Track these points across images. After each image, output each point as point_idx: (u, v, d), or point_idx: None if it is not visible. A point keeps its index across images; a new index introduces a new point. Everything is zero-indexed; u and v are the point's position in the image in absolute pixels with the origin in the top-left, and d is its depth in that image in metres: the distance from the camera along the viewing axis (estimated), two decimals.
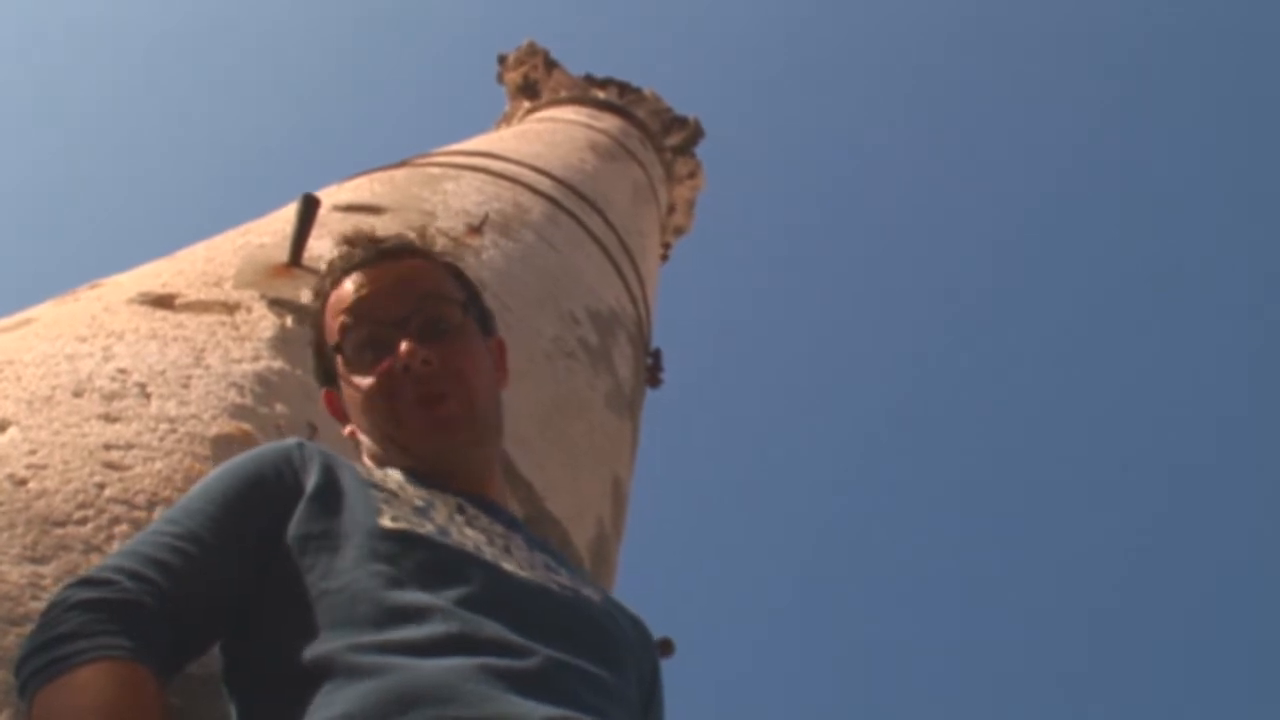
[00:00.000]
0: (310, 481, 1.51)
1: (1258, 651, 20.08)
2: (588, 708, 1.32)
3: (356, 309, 1.71)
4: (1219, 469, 22.69)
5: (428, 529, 1.47)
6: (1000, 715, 20.02)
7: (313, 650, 1.31)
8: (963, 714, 19.98)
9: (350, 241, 1.82)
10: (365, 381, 1.67)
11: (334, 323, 1.73)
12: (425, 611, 1.34)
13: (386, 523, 1.45)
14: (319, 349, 1.78)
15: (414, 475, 1.62)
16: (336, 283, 1.76)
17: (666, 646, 2.91)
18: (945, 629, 21.78)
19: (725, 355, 26.64)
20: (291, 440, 1.61)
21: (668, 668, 2.80)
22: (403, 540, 1.43)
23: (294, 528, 1.45)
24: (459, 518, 1.55)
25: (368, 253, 1.78)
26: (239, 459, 1.56)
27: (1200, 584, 21.96)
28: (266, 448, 1.59)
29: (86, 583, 1.31)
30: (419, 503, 1.53)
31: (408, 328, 1.67)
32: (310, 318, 1.81)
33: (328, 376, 1.78)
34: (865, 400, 25.56)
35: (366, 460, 1.73)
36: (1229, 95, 24.88)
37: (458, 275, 1.84)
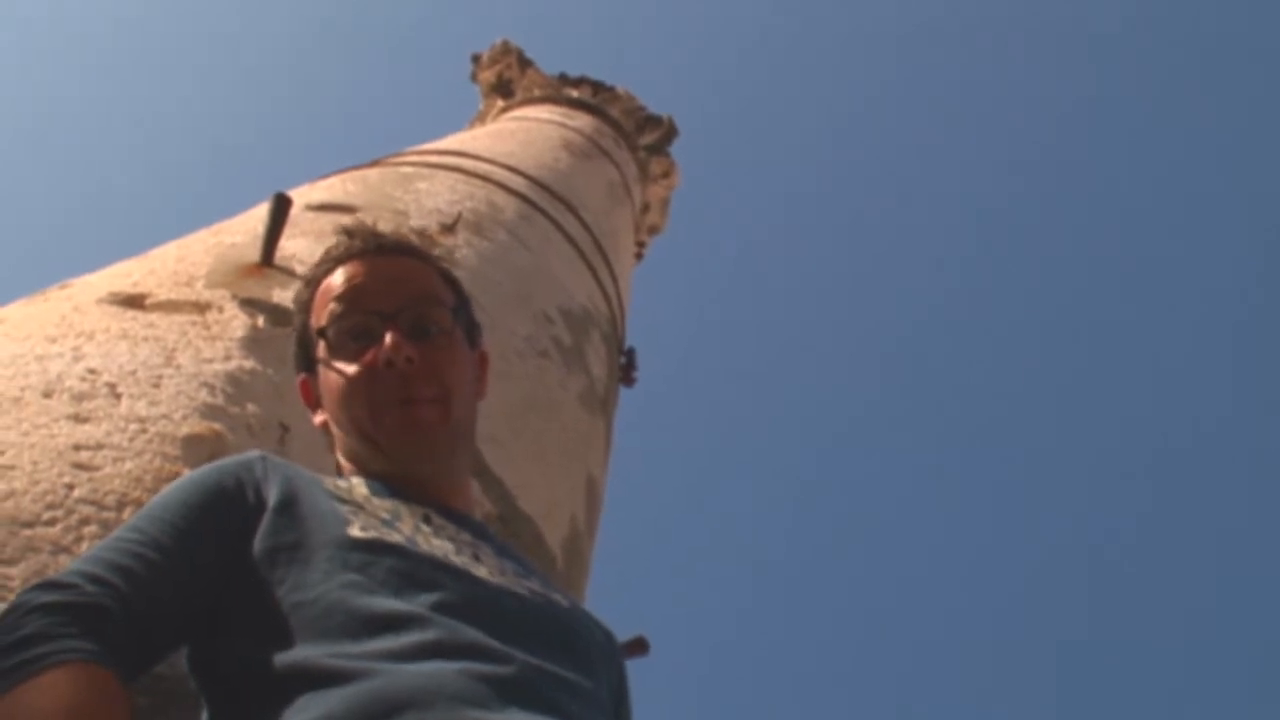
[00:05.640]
0: (274, 494, 1.50)
1: (1246, 647, 20.21)
2: (565, 713, 1.32)
3: (348, 297, 1.71)
4: (1207, 464, 22.83)
5: (397, 538, 1.47)
6: (973, 713, 20.10)
7: (289, 658, 1.31)
8: (934, 711, 20.06)
9: (349, 233, 1.82)
10: (348, 368, 1.66)
11: (323, 308, 1.73)
12: (403, 618, 1.34)
13: (356, 532, 1.44)
14: (303, 333, 1.77)
15: (380, 486, 1.62)
16: (330, 270, 1.76)
17: (641, 645, 2.91)
18: (921, 625, 21.87)
19: (700, 353, 26.68)
20: (254, 452, 1.61)
21: (642, 665, 2.81)
22: (373, 549, 1.43)
23: (260, 540, 1.44)
24: (425, 528, 1.54)
25: (366, 244, 1.78)
26: (202, 470, 1.56)
27: (1178, 581, 22.12)
28: (229, 459, 1.59)
29: (48, 586, 1.31)
30: (385, 514, 1.53)
31: (396, 323, 1.67)
32: (298, 301, 1.80)
33: (307, 362, 1.77)
34: (843, 397, 25.64)
35: (337, 454, 1.73)
36: (1198, 86, 25.06)
37: (451, 281, 1.83)
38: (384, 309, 1.68)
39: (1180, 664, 20.66)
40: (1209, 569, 22.17)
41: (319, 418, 1.76)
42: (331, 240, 1.87)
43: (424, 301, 1.72)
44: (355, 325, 1.68)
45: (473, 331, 1.82)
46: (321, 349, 1.71)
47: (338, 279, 1.73)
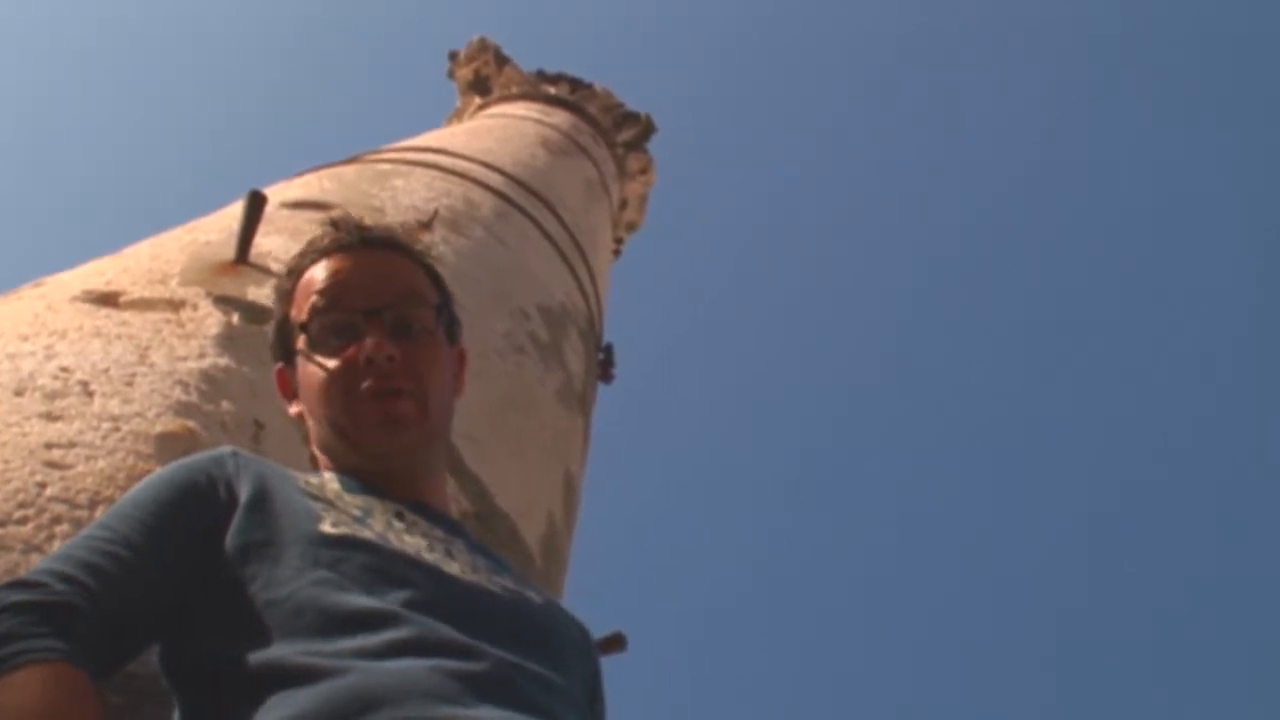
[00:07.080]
0: (245, 490, 1.49)
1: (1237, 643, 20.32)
2: (539, 709, 1.32)
3: (331, 292, 1.69)
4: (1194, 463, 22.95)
5: (368, 534, 1.46)
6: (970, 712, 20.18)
7: (262, 656, 1.30)
8: (929, 709, 20.13)
9: (335, 224, 1.80)
10: (328, 363, 1.65)
11: (304, 300, 1.71)
12: (375, 615, 1.34)
13: (327, 529, 1.44)
14: (282, 323, 1.76)
15: (352, 482, 1.61)
16: (314, 261, 1.74)
17: (619, 641, 2.91)
18: (914, 622, 21.95)
19: (679, 350, 26.70)
20: (226, 448, 1.60)
21: (620, 662, 2.81)
22: (345, 545, 1.43)
23: (233, 537, 1.44)
24: (398, 524, 1.54)
25: (351, 237, 1.76)
26: (172, 466, 1.55)
27: (1160, 582, 22.25)
28: (200, 455, 1.58)
29: (17, 585, 1.30)
30: (356, 511, 1.52)
31: (379, 320, 1.66)
32: (279, 291, 1.78)
33: (284, 353, 1.76)
34: (823, 393, 25.70)
35: (312, 446, 1.72)
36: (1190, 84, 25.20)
37: (435, 278, 1.82)
38: (367, 306, 1.67)
39: (1181, 663, 20.77)
40: (1209, 568, 22.30)
41: (294, 409, 1.75)
42: (308, 237, 1.85)
43: (408, 300, 1.71)
44: (338, 321, 1.67)
45: (453, 328, 1.81)
46: (301, 341, 1.70)
47: (321, 272, 1.71)
